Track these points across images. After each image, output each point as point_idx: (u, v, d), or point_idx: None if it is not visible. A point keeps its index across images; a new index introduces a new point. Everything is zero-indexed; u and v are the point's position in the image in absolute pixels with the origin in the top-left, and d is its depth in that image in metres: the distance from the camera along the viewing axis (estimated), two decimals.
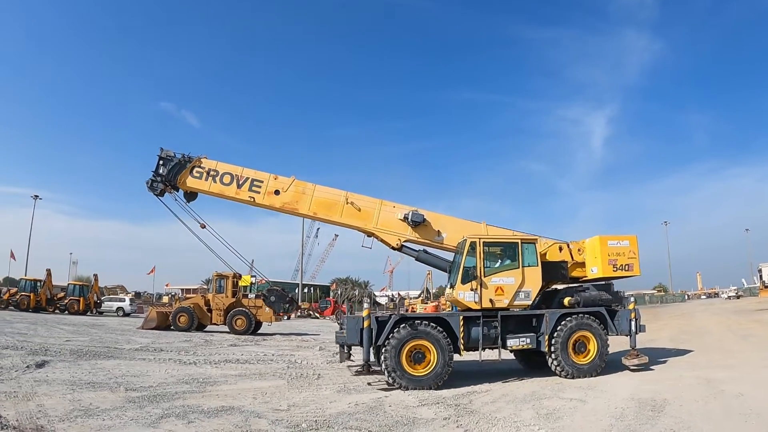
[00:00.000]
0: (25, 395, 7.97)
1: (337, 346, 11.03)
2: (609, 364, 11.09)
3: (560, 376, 10.46)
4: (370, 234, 11.76)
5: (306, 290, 78.97)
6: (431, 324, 10.04)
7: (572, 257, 11.79)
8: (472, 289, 10.49)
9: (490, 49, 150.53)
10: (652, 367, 11.52)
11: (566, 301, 11.19)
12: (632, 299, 11.61)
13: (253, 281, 33.99)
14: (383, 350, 9.86)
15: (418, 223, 11.40)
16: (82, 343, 16.61)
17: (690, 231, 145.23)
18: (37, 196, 65.94)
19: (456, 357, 10.27)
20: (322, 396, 9.05)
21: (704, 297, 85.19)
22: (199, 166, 11.75)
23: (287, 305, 13.96)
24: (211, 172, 11.67)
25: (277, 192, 11.64)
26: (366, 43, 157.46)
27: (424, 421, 7.17)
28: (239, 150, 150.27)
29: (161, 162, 11.84)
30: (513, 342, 10.52)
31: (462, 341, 10.21)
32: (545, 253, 11.56)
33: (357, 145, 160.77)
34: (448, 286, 11.25)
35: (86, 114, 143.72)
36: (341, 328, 10.55)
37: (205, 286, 58.15)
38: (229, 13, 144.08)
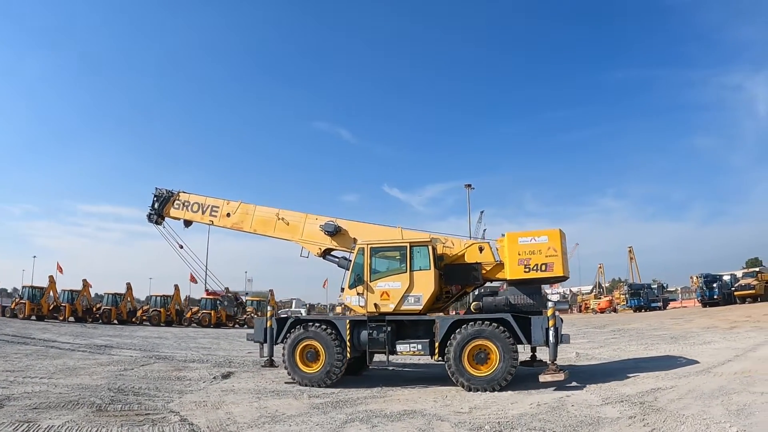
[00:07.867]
0: (214, 404, 8.32)
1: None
2: None
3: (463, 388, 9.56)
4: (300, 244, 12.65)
5: None
6: (321, 326, 10.55)
7: (496, 258, 10.94)
8: (358, 294, 10.68)
9: (625, 18, 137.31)
10: None
11: (473, 306, 10.61)
12: (550, 304, 9.66)
13: None
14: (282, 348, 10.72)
15: (331, 232, 11.87)
16: None
17: None
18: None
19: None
20: (503, 397, 8.79)
21: None
22: (178, 199, 13.96)
23: (235, 308, 14.79)
24: (185, 203, 13.84)
25: (228, 214, 13.34)
26: (499, 40, 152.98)
27: (609, 420, 6.86)
28: (399, 158, 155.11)
29: (155, 198, 14.14)
30: (403, 348, 10.29)
31: (349, 344, 10.38)
32: (463, 255, 11.09)
33: (521, 142, 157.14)
34: (340, 290, 11.49)
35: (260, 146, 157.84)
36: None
37: None
38: (373, 20, 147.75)
